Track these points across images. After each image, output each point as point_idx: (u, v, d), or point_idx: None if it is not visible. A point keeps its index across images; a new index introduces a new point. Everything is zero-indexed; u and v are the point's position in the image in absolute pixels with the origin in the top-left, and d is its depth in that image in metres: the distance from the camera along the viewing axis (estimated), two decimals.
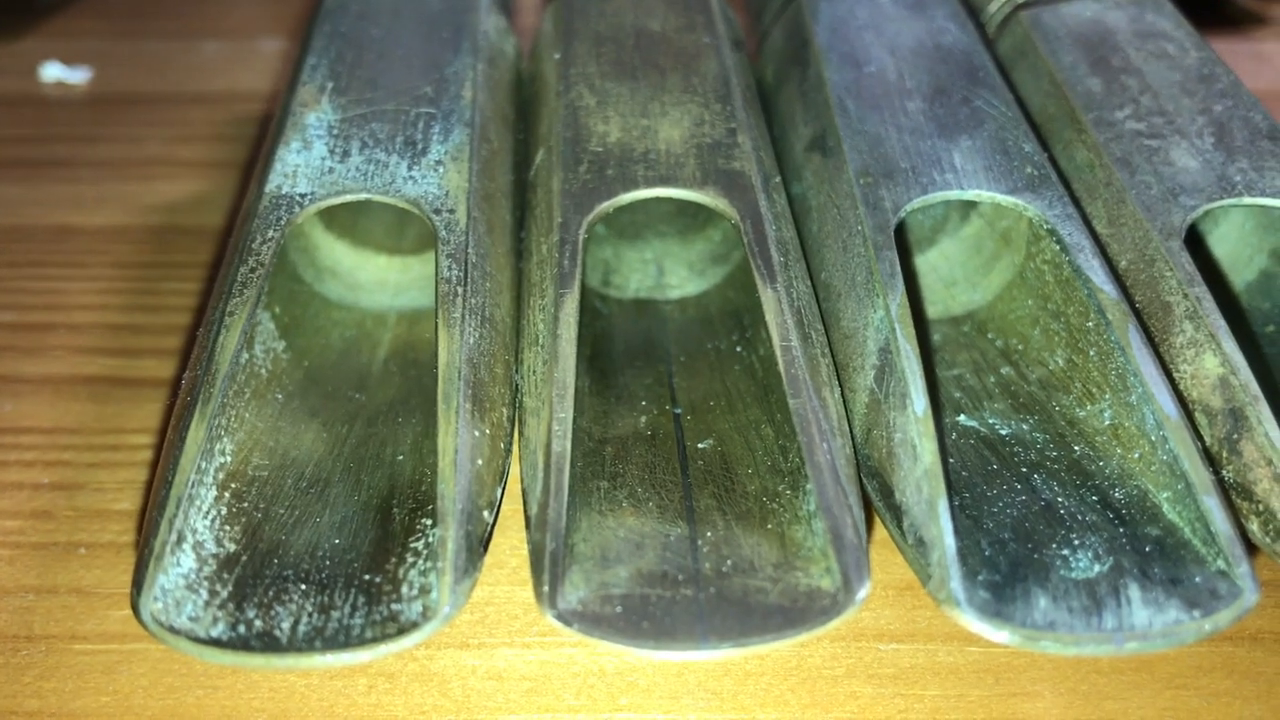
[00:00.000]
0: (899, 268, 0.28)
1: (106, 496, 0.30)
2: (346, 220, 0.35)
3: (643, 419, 0.29)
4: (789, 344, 0.26)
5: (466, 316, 0.26)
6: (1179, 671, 0.26)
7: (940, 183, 0.30)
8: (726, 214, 0.29)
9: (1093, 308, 0.28)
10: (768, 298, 0.27)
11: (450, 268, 0.27)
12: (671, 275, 0.35)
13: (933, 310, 0.33)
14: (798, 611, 0.22)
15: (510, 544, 0.28)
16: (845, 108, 0.32)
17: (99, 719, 0.25)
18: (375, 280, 0.35)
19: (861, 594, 0.22)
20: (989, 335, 0.32)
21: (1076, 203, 0.31)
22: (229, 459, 0.25)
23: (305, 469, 0.27)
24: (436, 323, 0.26)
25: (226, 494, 0.25)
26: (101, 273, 0.37)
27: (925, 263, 0.35)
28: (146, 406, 0.32)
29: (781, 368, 0.25)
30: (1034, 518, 0.25)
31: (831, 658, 0.27)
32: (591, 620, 0.22)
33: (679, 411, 0.29)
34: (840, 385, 0.27)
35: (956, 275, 0.34)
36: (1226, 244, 0.34)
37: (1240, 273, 0.33)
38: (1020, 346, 0.31)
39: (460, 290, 0.27)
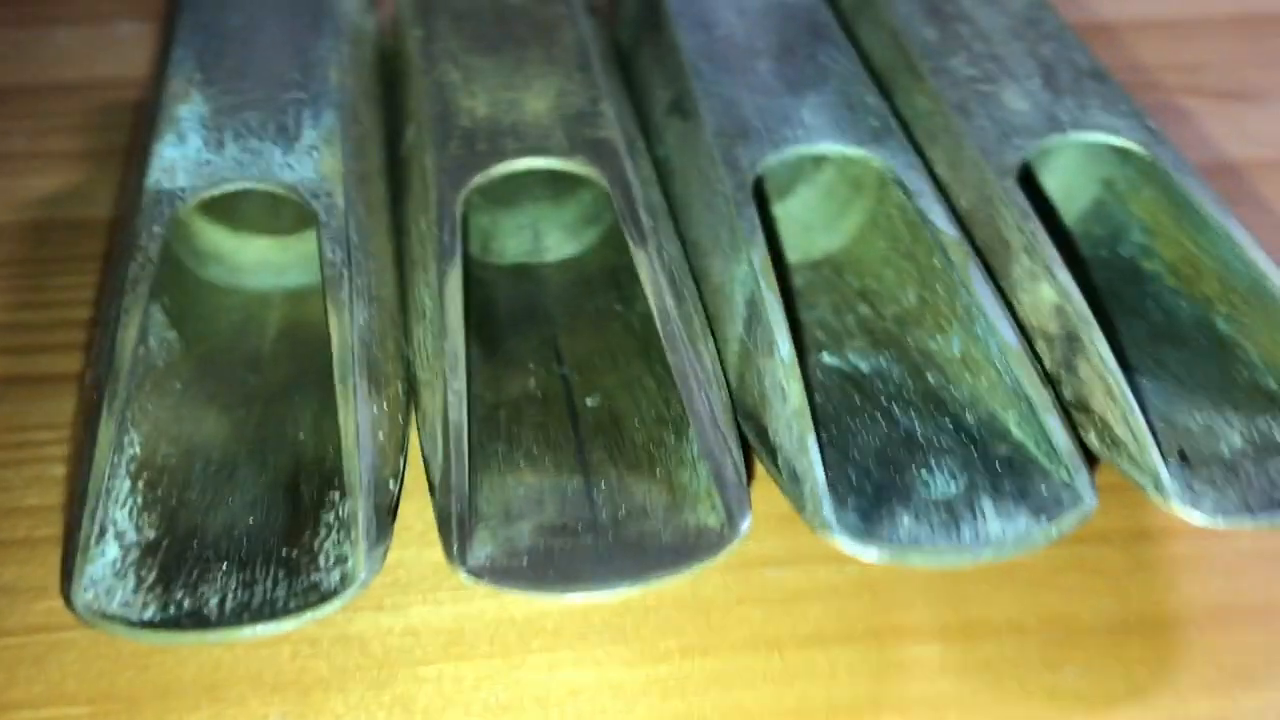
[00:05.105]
0: (759, 223, 0.30)
1: (14, 494, 0.31)
2: (223, 205, 0.36)
3: (531, 381, 0.30)
4: (663, 303, 0.28)
5: (354, 297, 0.28)
6: (1036, 574, 0.29)
7: (792, 139, 0.32)
8: (596, 181, 0.30)
9: (937, 248, 0.30)
10: (640, 260, 0.29)
11: (334, 250, 0.29)
12: (548, 238, 0.37)
13: (793, 255, 0.36)
14: (688, 548, 0.24)
15: (415, 508, 0.30)
16: (700, 71, 0.34)
17: (33, 708, 0.26)
18: (257, 262, 0.36)
19: (744, 527, 0.24)
20: (846, 277, 0.34)
21: (919, 149, 0.34)
22: (138, 450, 0.27)
23: (211, 453, 0.28)
24: (325, 305, 0.27)
25: (140, 484, 0.26)
26: None
27: (784, 211, 0.37)
28: (45, 404, 0.33)
29: (658, 325, 0.27)
30: (895, 445, 0.28)
31: (723, 587, 0.29)
32: (500, 573, 0.24)
33: (566, 372, 0.31)
34: (714, 336, 0.30)
35: (814, 221, 0.37)
36: (1063, 176, 0.37)
37: (1076, 202, 0.36)
38: (875, 286, 0.33)
39: (345, 272, 0.28)
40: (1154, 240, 0.34)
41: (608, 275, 0.35)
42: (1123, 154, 0.35)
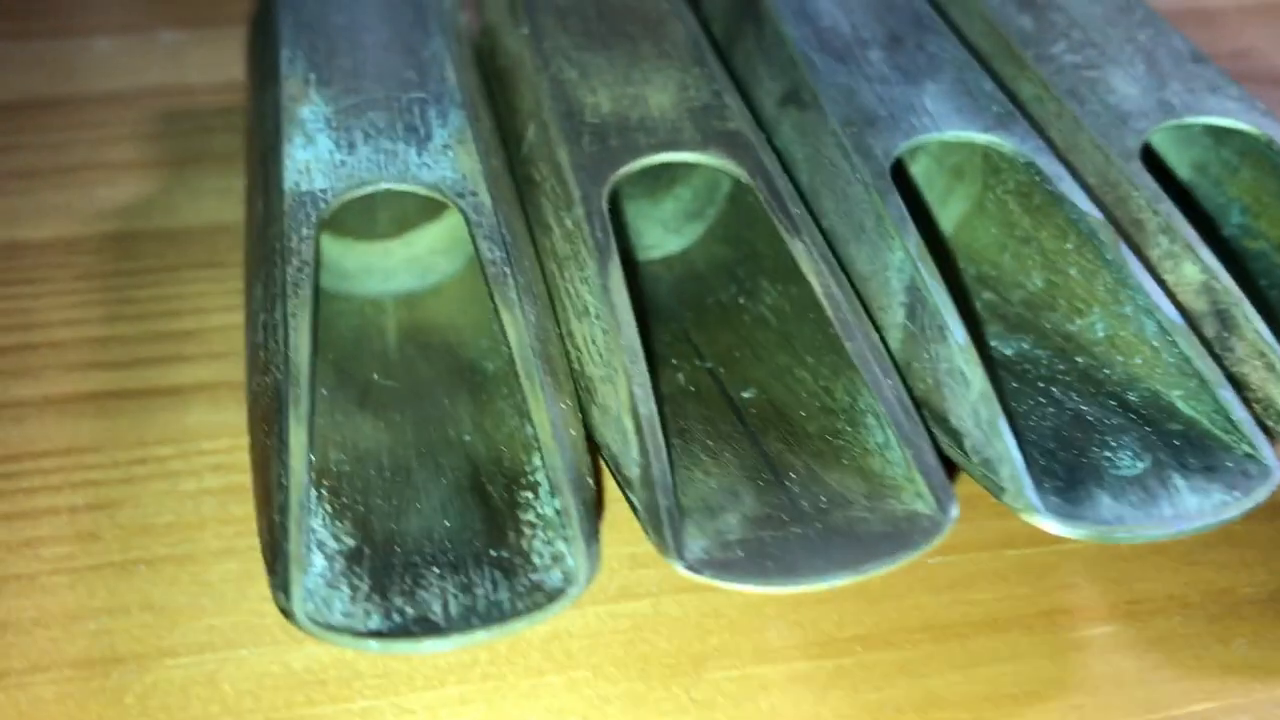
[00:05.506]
0: (906, 210, 0.30)
1: (144, 510, 0.30)
2: None
3: (680, 376, 0.30)
4: (830, 290, 0.28)
5: (521, 295, 0.27)
6: (1190, 549, 0.29)
7: (919, 126, 0.32)
8: (735, 174, 0.30)
9: (1073, 230, 0.30)
10: (798, 250, 0.28)
11: (491, 249, 0.28)
12: (647, 236, 0.36)
13: None
14: (902, 534, 0.24)
15: None
16: (812, 62, 0.34)
17: None
18: (361, 268, 0.35)
19: (954, 512, 0.24)
20: (960, 264, 0.35)
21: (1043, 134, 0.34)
22: (314, 457, 0.26)
23: (381, 458, 0.27)
24: (494, 305, 0.27)
25: (324, 492, 0.25)
26: (68, 286, 0.36)
27: None
28: (160, 417, 0.32)
29: (829, 313, 0.27)
30: (1067, 426, 0.28)
31: (887, 577, 0.28)
32: (720, 566, 0.24)
33: (710, 366, 0.31)
34: None
35: (913, 211, 0.37)
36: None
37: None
38: (994, 273, 0.33)
39: (508, 270, 0.28)
40: (1257, 220, 0.35)
41: (721, 270, 0.35)
42: (1217, 137, 0.36)
